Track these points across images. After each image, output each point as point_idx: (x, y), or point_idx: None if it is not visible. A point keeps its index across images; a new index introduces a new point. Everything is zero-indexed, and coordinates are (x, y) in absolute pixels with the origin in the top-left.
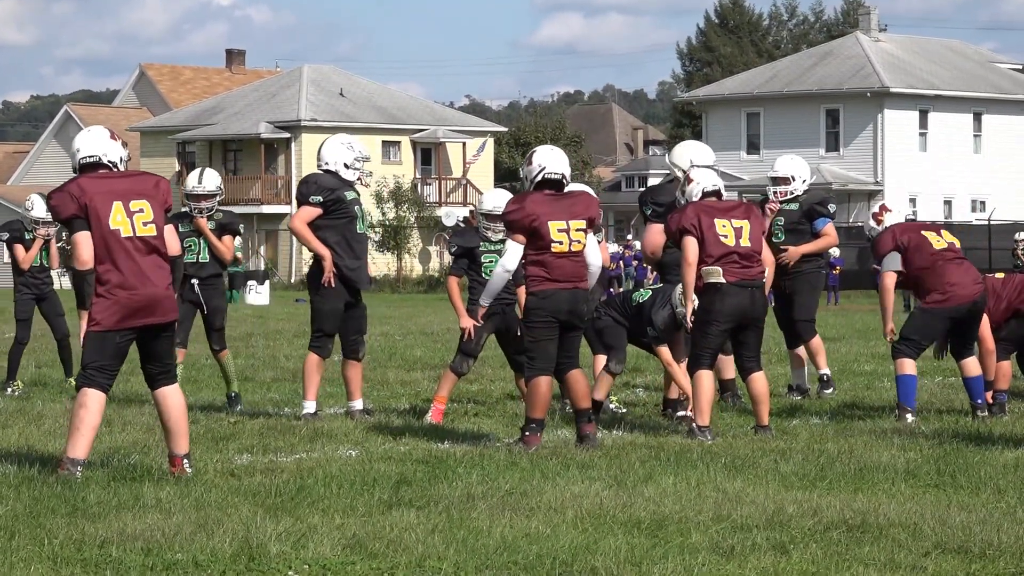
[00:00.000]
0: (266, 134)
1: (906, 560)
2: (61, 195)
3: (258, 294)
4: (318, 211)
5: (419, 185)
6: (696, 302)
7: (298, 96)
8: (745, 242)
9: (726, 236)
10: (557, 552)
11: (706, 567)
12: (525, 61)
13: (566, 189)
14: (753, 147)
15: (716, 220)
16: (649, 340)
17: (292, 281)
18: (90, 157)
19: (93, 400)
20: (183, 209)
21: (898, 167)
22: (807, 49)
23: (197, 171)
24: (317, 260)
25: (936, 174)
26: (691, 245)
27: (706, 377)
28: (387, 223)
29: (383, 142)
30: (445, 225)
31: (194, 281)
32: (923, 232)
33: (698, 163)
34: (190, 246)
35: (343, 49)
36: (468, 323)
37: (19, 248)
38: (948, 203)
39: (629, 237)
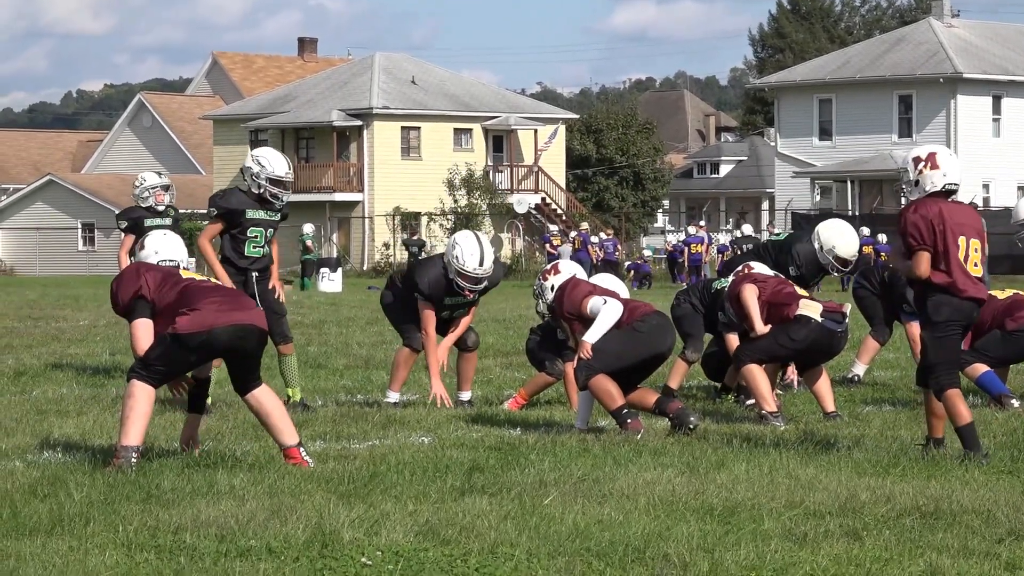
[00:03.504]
0: (338, 122)
1: (980, 547)
2: (120, 280)
3: (331, 281)
4: None
5: (491, 172)
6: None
7: (370, 84)
8: None
9: None
10: (629, 539)
11: (779, 554)
12: (597, 48)
13: None
14: (825, 133)
15: None
16: (720, 328)
17: (364, 268)
18: (170, 261)
19: (143, 391)
20: (236, 189)
21: (971, 153)
22: (879, 35)
23: (278, 154)
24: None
25: (1010, 160)
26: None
27: (754, 368)
28: (459, 210)
29: (455, 129)
30: (517, 212)
31: (254, 274)
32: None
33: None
34: (256, 236)
35: (415, 37)
36: None
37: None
38: (1022, 188)
39: (702, 223)
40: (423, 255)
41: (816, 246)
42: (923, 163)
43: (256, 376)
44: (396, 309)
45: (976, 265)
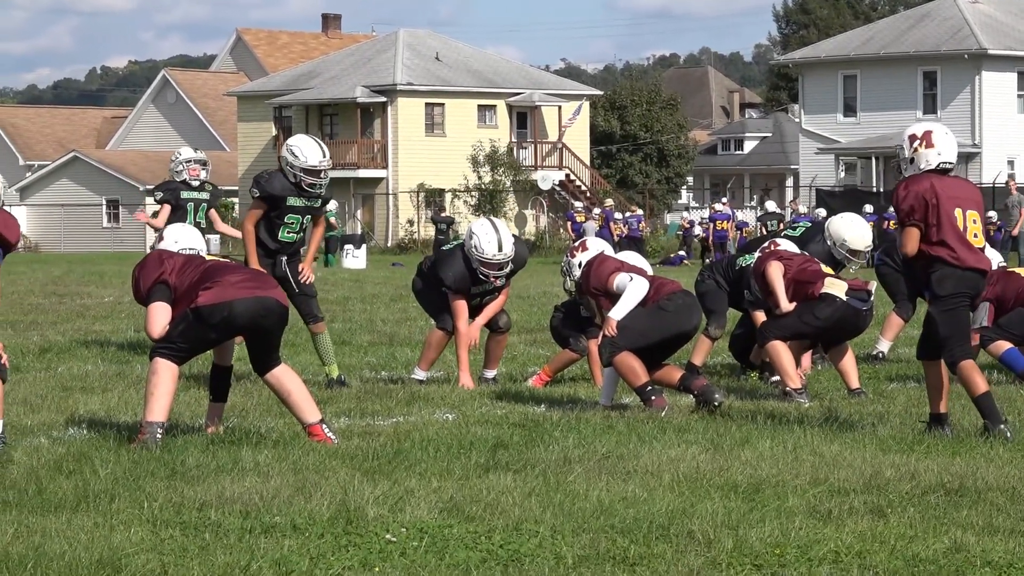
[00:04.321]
0: (362, 98)
1: (1004, 524)
2: (142, 267)
3: (355, 258)
4: None
5: (515, 149)
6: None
7: (394, 60)
8: None
9: None
10: (654, 516)
11: (803, 531)
12: (621, 24)
13: None
14: (850, 110)
15: None
16: (746, 305)
17: (388, 245)
18: (191, 249)
19: (166, 368)
20: (265, 177)
21: (996, 129)
22: (904, 11)
23: (313, 142)
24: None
25: None
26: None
27: (778, 345)
28: (483, 187)
29: (479, 106)
30: (541, 189)
31: (284, 257)
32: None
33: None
34: (292, 223)
35: (439, 13)
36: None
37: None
38: None
39: (724, 200)
40: (451, 232)
41: (828, 244)
42: (918, 141)
43: (275, 356)
44: (427, 295)
45: (976, 236)
